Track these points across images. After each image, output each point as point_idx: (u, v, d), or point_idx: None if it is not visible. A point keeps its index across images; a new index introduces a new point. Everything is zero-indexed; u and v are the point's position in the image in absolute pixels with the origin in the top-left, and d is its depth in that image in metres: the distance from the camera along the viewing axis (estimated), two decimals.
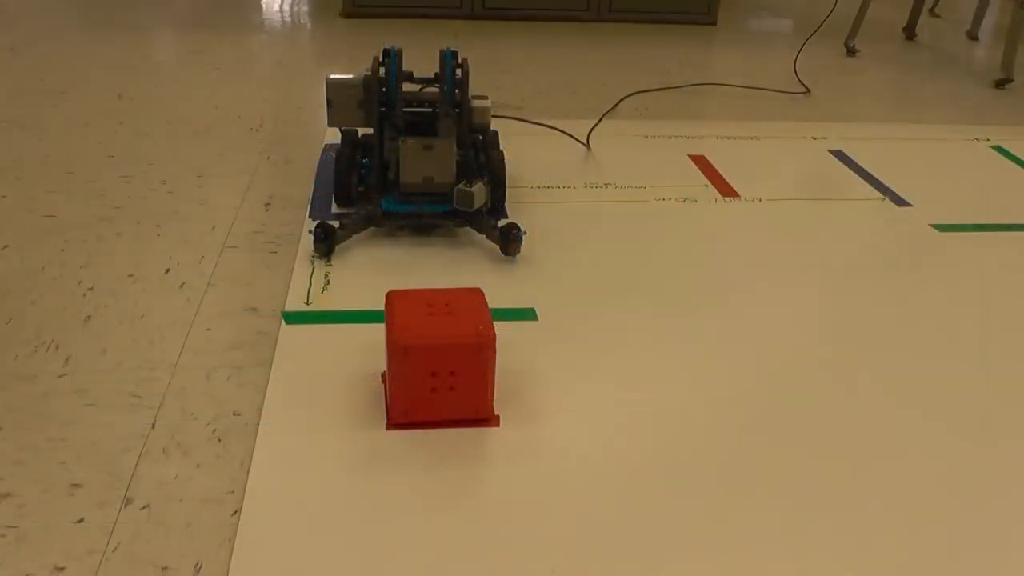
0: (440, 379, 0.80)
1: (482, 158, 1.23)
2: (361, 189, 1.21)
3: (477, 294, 0.85)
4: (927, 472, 0.79)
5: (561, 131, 1.52)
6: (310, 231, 1.10)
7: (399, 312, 0.81)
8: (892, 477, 0.78)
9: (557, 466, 0.78)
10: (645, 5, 2.47)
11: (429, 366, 0.79)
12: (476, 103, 1.19)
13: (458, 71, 1.15)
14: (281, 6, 2.52)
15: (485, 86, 1.83)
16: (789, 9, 2.81)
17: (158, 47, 2.05)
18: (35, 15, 2.25)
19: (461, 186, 1.13)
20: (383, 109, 1.17)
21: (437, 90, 1.16)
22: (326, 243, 1.09)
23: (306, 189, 1.30)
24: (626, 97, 1.67)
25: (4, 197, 1.24)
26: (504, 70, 1.97)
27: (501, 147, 1.25)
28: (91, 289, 1.02)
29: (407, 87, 1.17)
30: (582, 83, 1.89)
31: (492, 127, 1.24)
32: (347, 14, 2.38)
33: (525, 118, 1.48)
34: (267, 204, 1.25)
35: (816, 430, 0.84)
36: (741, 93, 1.87)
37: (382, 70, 1.16)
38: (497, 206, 1.22)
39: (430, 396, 0.80)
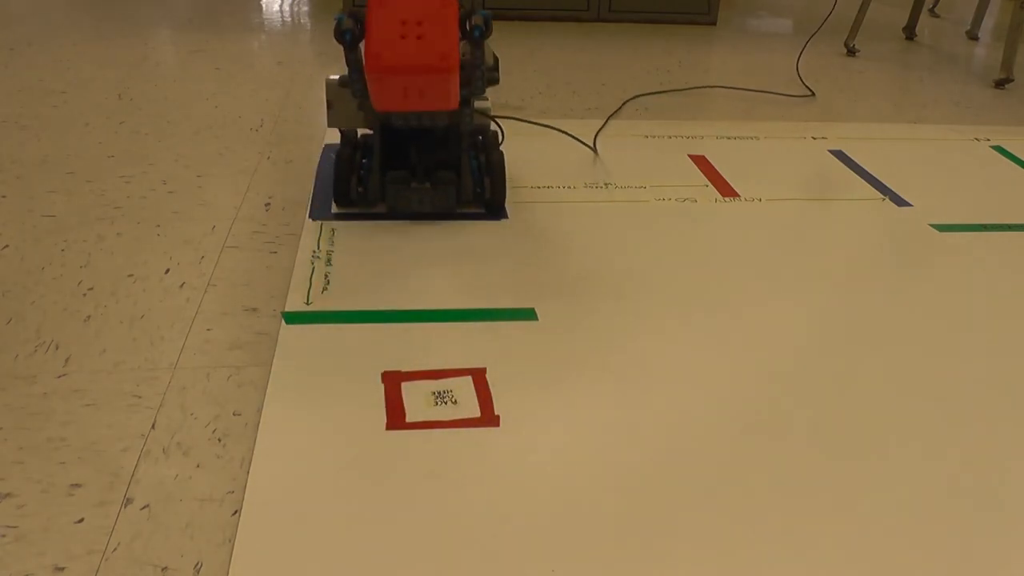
0: (409, 28, 0.99)
1: (482, 159, 1.23)
2: (360, 190, 1.22)
3: None
4: (930, 472, 0.79)
5: (566, 133, 1.51)
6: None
7: None
8: (892, 477, 0.78)
9: (557, 466, 0.78)
10: (645, 5, 2.47)
11: (399, 14, 0.99)
12: (475, 103, 1.17)
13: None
14: (281, 6, 2.52)
15: None
16: (789, 9, 2.81)
17: (158, 47, 2.05)
18: (35, 15, 2.25)
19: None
20: None
21: None
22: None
23: (306, 189, 1.30)
24: (630, 99, 1.67)
25: (4, 197, 1.24)
26: (504, 70, 1.97)
27: (501, 147, 1.24)
28: (91, 289, 1.02)
29: None
30: (582, 83, 1.89)
31: (494, 127, 1.23)
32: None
33: (529, 119, 1.48)
34: (267, 204, 1.25)
35: (816, 430, 0.84)
36: (740, 93, 1.87)
37: None
38: (498, 207, 1.23)
39: (400, 43, 0.98)
